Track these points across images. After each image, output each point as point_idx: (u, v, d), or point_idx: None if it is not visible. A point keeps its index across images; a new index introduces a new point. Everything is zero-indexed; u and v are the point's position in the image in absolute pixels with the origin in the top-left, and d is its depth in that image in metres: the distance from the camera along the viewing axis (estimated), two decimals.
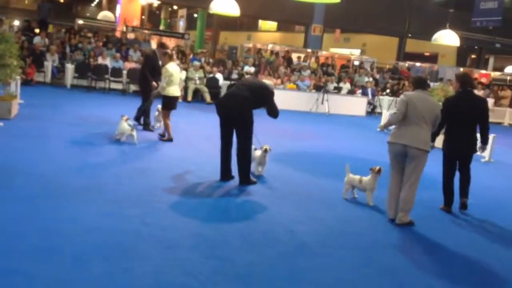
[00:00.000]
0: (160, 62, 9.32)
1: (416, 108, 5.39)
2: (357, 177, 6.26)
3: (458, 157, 6.34)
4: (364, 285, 3.97)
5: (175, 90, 8.68)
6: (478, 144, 6.30)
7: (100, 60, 15.89)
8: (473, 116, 6.18)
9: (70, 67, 15.50)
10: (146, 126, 9.66)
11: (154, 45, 20.69)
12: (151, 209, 5.15)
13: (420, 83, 5.69)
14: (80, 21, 23.73)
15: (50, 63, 15.55)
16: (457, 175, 6.37)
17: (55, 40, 17.08)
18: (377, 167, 6.09)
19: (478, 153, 6.55)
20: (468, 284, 4.20)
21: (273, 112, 6.59)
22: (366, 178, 6.18)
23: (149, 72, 9.36)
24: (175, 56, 9.03)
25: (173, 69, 8.59)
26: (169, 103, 8.66)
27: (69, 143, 7.82)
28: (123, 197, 5.42)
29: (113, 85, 15.75)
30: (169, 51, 9.12)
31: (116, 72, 15.76)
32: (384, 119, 14.33)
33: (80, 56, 16.16)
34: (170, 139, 8.72)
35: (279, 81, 17.62)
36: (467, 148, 6.23)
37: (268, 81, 7.19)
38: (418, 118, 5.38)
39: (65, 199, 5.14)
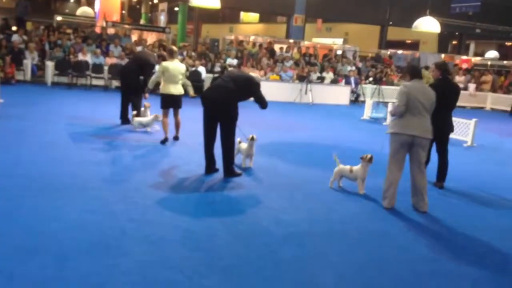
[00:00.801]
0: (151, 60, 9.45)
1: (417, 99, 5.51)
2: (347, 167, 6.26)
3: (440, 139, 6.61)
4: (350, 272, 3.99)
5: (169, 88, 8.06)
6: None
7: (80, 57, 15.71)
8: (451, 100, 6.60)
9: (50, 65, 15.31)
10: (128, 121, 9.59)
11: (135, 39, 20.50)
12: (136, 205, 5.12)
13: (417, 73, 5.78)
14: (59, 18, 23.35)
15: (29, 61, 15.34)
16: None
17: (33, 38, 16.83)
18: (368, 155, 6.11)
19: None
20: (455, 267, 4.25)
21: (263, 103, 6.55)
22: (356, 167, 6.19)
23: (139, 70, 9.30)
24: (175, 53, 8.41)
25: (172, 66, 8.06)
26: (161, 101, 8.19)
27: (52, 141, 7.72)
28: (108, 194, 5.38)
29: (95, 81, 15.60)
30: (163, 53, 9.04)
31: (97, 68, 15.60)
32: (368, 107, 14.42)
33: (60, 53, 15.95)
34: (164, 139, 8.25)
35: (262, 72, 17.60)
36: (446, 130, 6.58)
37: (253, 73, 7.17)
38: (419, 108, 5.51)
39: (48, 197, 5.08)
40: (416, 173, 5.67)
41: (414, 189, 5.73)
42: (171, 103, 8.19)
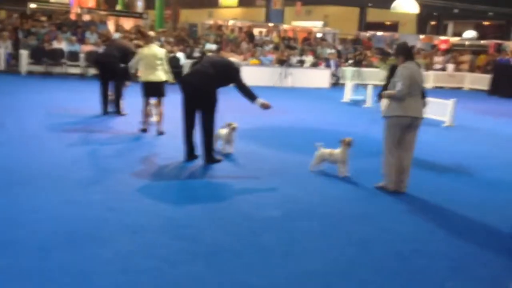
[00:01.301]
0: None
1: (416, 80, 5.50)
2: (328, 150, 6.27)
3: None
4: (332, 254, 4.02)
5: (148, 75, 7.74)
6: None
7: (55, 44, 15.40)
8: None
9: (24, 53, 14.99)
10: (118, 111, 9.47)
11: (111, 26, 20.16)
12: (116, 194, 5.07)
13: (410, 54, 5.74)
14: (33, 5, 22.82)
15: (2, 50, 15.00)
16: None
17: (6, 26, 16.43)
18: (347, 139, 6.11)
19: None
20: (435, 246, 4.31)
21: (244, 90, 6.27)
22: (336, 151, 6.19)
23: (123, 57, 9.08)
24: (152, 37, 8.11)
25: (148, 51, 7.78)
26: (142, 89, 7.89)
27: (28, 131, 7.59)
28: (87, 183, 5.32)
29: (71, 70, 15.34)
30: (140, 43, 8.85)
31: (73, 56, 15.34)
32: (348, 89, 14.45)
33: (34, 41, 15.60)
34: (143, 129, 8.07)
35: (242, 57, 17.48)
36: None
37: (233, 58, 7.08)
38: (417, 89, 5.53)
39: (26, 189, 5.00)
40: (404, 154, 5.65)
41: (398, 170, 5.68)
42: (151, 90, 7.86)
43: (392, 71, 7.14)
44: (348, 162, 6.20)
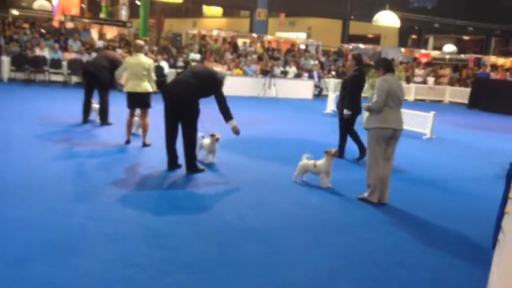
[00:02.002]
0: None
1: (395, 92, 5.57)
2: (311, 161, 6.29)
3: (353, 120, 7.94)
4: (313, 265, 4.02)
5: (134, 85, 7.52)
6: (346, 111, 7.76)
7: (38, 52, 15.26)
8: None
9: (5, 60, 14.82)
10: (104, 121, 9.38)
11: (94, 34, 20.06)
12: (97, 204, 5.01)
13: (390, 66, 5.82)
14: (15, 12, 22.59)
15: None
16: None
17: None
18: (333, 150, 6.14)
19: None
20: (415, 258, 4.34)
21: (223, 104, 6.23)
22: (320, 162, 6.21)
23: (111, 67, 9.01)
24: (141, 47, 7.79)
25: (133, 61, 7.59)
26: (127, 100, 7.64)
27: (8, 140, 7.47)
28: (68, 193, 5.25)
29: (53, 77, 15.21)
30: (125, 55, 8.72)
31: (56, 64, 15.20)
32: (331, 100, 14.56)
33: (16, 48, 15.45)
34: (126, 141, 7.86)
35: (225, 67, 17.52)
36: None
37: (218, 68, 7.06)
38: (397, 102, 5.59)
39: (5, 198, 4.91)
40: (386, 166, 5.70)
41: (380, 181, 5.73)
42: (136, 102, 7.64)
43: (344, 83, 8.01)
44: (330, 173, 6.24)
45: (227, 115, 6.32)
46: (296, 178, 6.41)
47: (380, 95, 5.49)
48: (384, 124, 5.55)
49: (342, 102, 7.93)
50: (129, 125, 7.95)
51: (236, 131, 6.40)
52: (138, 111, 7.97)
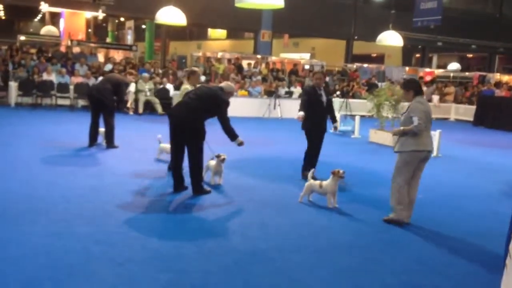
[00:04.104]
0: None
1: (429, 115, 5.64)
2: (317, 182, 6.27)
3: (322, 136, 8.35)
4: (319, 286, 3.99)
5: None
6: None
7: (45, 76, 15.43)
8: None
9: (13, 85, 14.99)
10: (110, 144, 9.40)
11: (101, 58, 20.31)
12: (103, 227, 5.01)
13: (420, 89, 5.80)
14: (22, 37, 22.96)
15: None
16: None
17: None
18: (341, 171, 6.12)
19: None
20: (422, 279, 4.30)
21: (226, 124, 6.30)
22: (326, 182, 6.18)
23: (115, 90, 9.19)
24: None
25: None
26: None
27: (14, 164, 7.52)
28: (73, 216, 5.25)
29: (60, 101, 15.33)
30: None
31: (63, 88, 15.35)
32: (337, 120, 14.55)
33: (24, 73, 15.62)
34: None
35: None
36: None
37: (224, 83, 6.99)
38: (429, 124, 5.65)
39: (10, 222, 4.93)
40: (413, 187, 5.71)
41: (408, 202, 5.69)
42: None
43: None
44: (336, 193, 6.22)
45: (231, 135, 6.41)
46: (302, 198, 6.39)
47: (422, 118, 5.45)
48: (421, 146, 5.55)
49: None
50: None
51: (240, 144, 6.51)
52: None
